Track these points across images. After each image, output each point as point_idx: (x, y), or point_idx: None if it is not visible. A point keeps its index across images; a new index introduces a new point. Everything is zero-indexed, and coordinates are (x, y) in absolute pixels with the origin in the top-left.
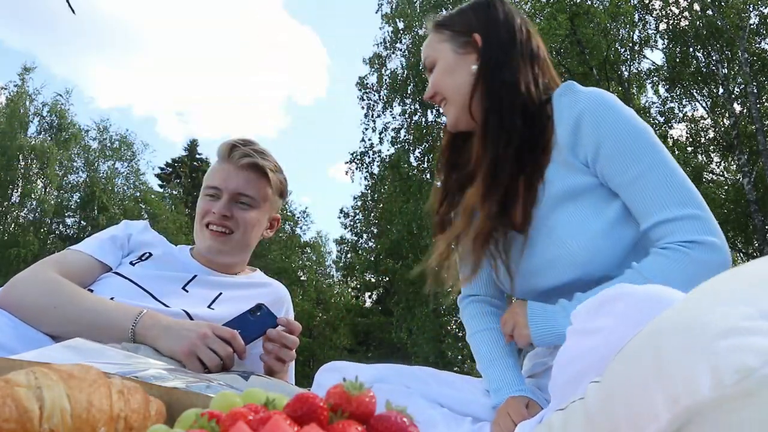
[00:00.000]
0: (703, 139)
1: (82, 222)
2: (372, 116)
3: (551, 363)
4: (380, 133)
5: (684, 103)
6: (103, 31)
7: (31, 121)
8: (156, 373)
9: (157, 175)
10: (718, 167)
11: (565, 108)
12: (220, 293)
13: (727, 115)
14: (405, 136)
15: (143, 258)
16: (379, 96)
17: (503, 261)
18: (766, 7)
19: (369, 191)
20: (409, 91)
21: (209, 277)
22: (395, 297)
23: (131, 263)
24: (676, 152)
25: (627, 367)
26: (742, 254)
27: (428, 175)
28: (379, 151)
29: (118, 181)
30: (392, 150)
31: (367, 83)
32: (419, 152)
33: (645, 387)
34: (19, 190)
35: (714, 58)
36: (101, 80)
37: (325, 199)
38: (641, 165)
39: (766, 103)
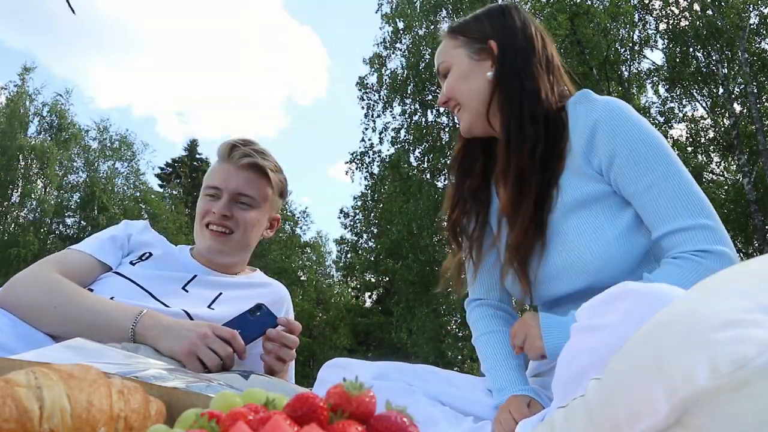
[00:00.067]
0: (703, 139)
1: (82, 222)
2: (372, 116)
3: (555, 362)
4: (380, 133)
5: (684, 103)
6: (103, 31)
7: (31, 121)
8: (156, 373)
9: (157, 175)
10: (718, 167)
11: (581, 116)
12: (220, 293)
13: (727, 115)
14: (405, 136)
15: (143, 258)
16: (379, 96)
17: (518, 269)
18: (766, 7)
19: (369, 191)
20: (409, 91)
21: (209, 277)
22: (395, 297)
23: (131, 263)
24: (676, 152)
25: (627, 363)
26: (742, 254)
27: (428, 175)
28: (379, 151)
29: (118, 181)
30: (392, 150)
31: (367, 83)
32: (419, 152)
33: (644, 381)
34: (19, 190)
35: (714, 58)
36: (101, 80)
37: (325, 199)
38: (654, 174)
39: (766, 103)
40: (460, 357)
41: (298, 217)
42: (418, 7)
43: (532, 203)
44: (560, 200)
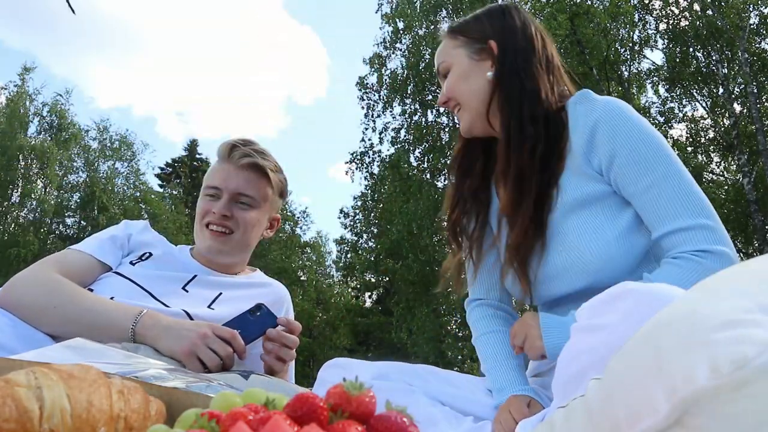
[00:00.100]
0: (703, 139)
1: (82, 222)
2: (372, 116)
3: (556, 362)
4: (380, 133)
5: (684, 103)
6: (103, 31)
7: (31, 121)
8: (156, 373)
9: (157, 175)
10: (718, 167)
11: (581, 116)
12: (220, 293)
13: (727, 115)
14: (405, 136)
15: (143, 258)
16: (379, 96)
17: (518, 269)
18: (766, 7)
19: (369, 191)
20: (409, 91)
21: (209, 277)
22: (395, 297)
23: (131, 263)
24: (676, 152)
25: (627, 363)
26: (742, 254)
27: (428, 175)
28: (379, 151)
29: (118, 181)
30: (392, 150)
31: (367, 83)
32: (419, 152)
33: (644, 381)
34: (19, 190)
35: (714, 58)
36: (101, 80)
37: (325, 199)
38: (654, 174)
39: (766, 103)
40: (460, 357)
41: (298, 217)
42: (418, 7)
43: (532, 203)
44: (560, 200)
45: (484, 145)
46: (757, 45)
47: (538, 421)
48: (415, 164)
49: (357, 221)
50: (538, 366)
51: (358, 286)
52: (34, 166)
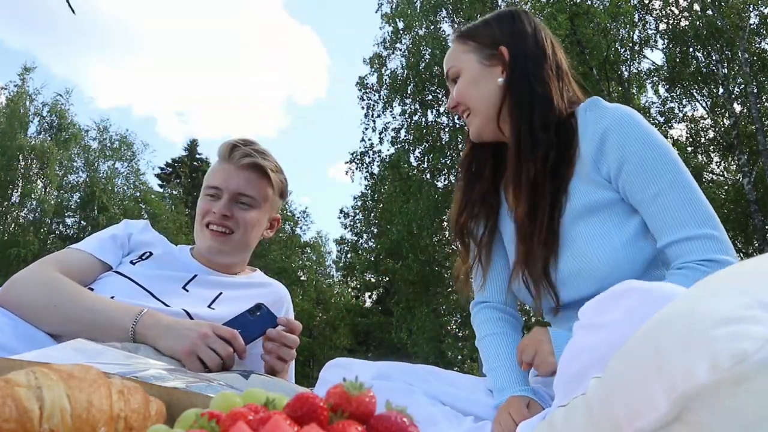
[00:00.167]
0: (703, 139)
1: (82, 222)
2: (372, 116)
3: None
4: (380, 133)
5: (684, 103)
6: (103, 31)
7: (31, 121)
8: (156, 373)
9: (157, 175)
10: (718, 167)
11: (591, 123)
12: (220, 293)
13: (727, 115)
14: (405, 136)
15: (143, 257)
16: (379, 96)
17: (530, 276)
18: (766, 7)
19: (369, 191)
20: (409, 91)
21: (209, 277)
22: (395, 297)
23: (131, 262)
24: (676, 152)
25: (627, 362)
26: (742, 254)
27: (428, 175)
28: (379, 151)
29: (118, 181)
30: (392, 150)
31: (367, 83)
32: (419, 152)
33: (644, 380)
34: (19, 190)
35: (714, 58)
36: (101, 80)
37: (325, 199)
38: (662, 183)
39: (766, 103)
40: (460, 357)
41: (298, 217)
42: (418, 7)
43: (546, 211)
44: (569, 207)
45: (493, 149)
46: (757, 45)
47: (539, 421)
48: (415, 164)
49: (357, 221)
50: None
51: (358, 286)
52: (34, 166)
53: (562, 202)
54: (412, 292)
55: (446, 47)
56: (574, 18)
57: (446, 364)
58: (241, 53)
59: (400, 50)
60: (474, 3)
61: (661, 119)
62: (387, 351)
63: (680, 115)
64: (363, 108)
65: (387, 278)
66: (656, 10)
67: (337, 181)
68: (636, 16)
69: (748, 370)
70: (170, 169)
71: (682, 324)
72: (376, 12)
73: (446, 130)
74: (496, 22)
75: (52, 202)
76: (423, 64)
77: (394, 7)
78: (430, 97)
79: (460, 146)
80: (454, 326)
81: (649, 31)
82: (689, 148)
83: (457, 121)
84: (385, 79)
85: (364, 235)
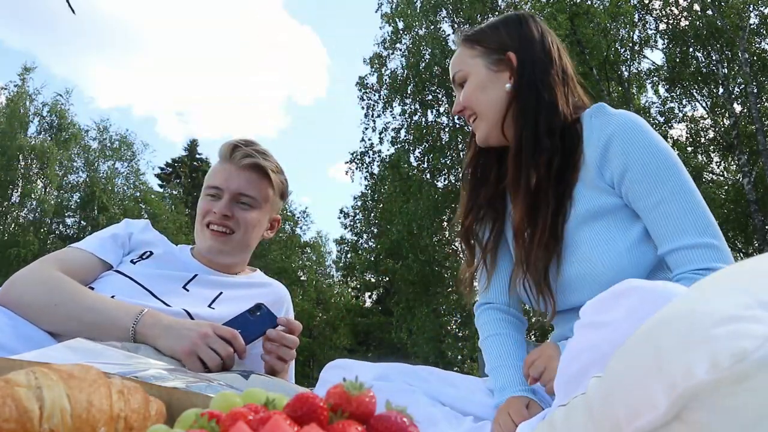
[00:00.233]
0: (703, 139)
1: (82, 222)
2: (372, 116)
3: None
4: (380, 133)
5: (684, 103)
6: (103, 31)
7: (31, 121)
8: (156, 373)
9: (157, 175)
10: (718, 167)
11: (596, 129)
12: (221, 293)
13: (727, 115)
14: (405, 136)
15: (144, 256)
16: (379, 96)
17: (533, 280)
18: (766, 7)
19: (369, 191)
20: (409, 91)
21: (210, 277)
22: (395, 297)
23: (132, 261)
24: (676, 152)
25: (627, 360)
26: (741, 254)
27: (428, 175)
28: (379, 151)
29: (118, 181)
30: (392, 150)
31: (367, 83)
32: (419, 152)
33: (644, 377)
34: (19, 190)
35: (714, 58)
36: (101, 80)
37: (325, 199)
38: (664, 191)
39: (766, 103)
40: (460, 357)
41: (298, 217)
42: (418, 7)
43: (548, 216)
44: (573, 212)
45: (499, 154)
46: (757, 45)
47: (539, 421)
48: (415, 164)
49: (357, 221)
50: None
51: (358, 286)
52: (34, 166)
53: (566, 207)
54: (412, 292)
55: (446, 47)
56: (574, 18)
57: (446, 364)
58: (241, 53)
59: (400, 50)
60: (474, 3)
61: (661, 119)
62: (387, 351)
63: (680, 115)
64: (363, 108)
65: (387, 278)
66: (656, 10)
67: (337, 181)
68: (636, 16)
69: (748, 369)
70: (170, 169)
71: (682, 323)
72: (376, 12)
73: (446, 130)
74: (504, 26)
75: (52, 202)
76: (423, 64)
77: (394, 7)
78: (430, 97)
79: (460, 146)
80: (454, 326)
81: (649, 31)
82: (689, 148)
83: (457, 121)
84: (385, 79)
85: (364, 235)
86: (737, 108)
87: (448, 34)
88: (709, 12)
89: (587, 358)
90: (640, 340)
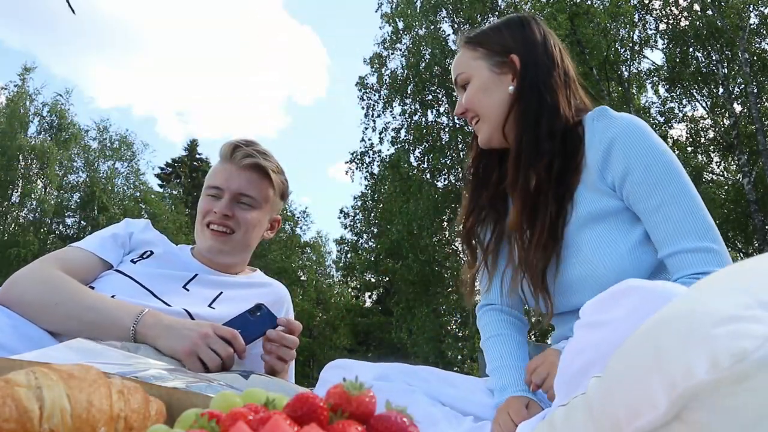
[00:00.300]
0: (703, 139)
1: (82, 222)
2: (372, 116)
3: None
4: (380, 133)
5: (684, 103)
6: (103, 31)
7: (31, 121)
8: (156, 373)
9: (157, 175)
10: (718, 167)
11: (598, 132)
12: (221, 293)
13: (727, 115)
14: (405, 136)
15: (144, 256)
16: (379, 96)
17: (532, 281)
18: (766, 7)
19: (369, 191)
20: (409, 91)
21: (210, 277)
22: (395, 297)
23: (132, 261)
24: (677, 152)
25: (627, 360)
26: (741, 254)
27: (428, 175)
28: (379, 151)
29: (118, 181)
30: (392, 150)
31: (367, 83)
32: (419, 152)
33: (644, 377)
34: (19, 190)
35: (714, 58)
36: (101, 80)
37: (325, 199)
38: (665, 194)
39: (766, 103)
40: (460, 357)
41: (298, 217)
42: (418, 7)
43: (548, 217)
44: (575, 214)
45: (500, 155)
46: (757, 45)
47: (539, 421)
48: (415, 164)
49: (357, 221)
50: None
51: (358, 286)
52: (34, 166)
53: (567, 209)
54: (412, 292)
55: (446, 47)
56: (574, 18)
57: (446, 364)
58: (241, 53)
59: (400, 50)
60: (474, 3)
61: (661, 119)
62: (387, 351)
63: (680, 115)
64: (363, 108)
65: (387, 278)
66: (656, 10)
67: (337, 181)
68: (636, 16)
69: (747, 369)
70: (170, 169)
71: (682, 323)
72: (376, 12)
73: (446, 130)
74: (506, 28)
75: (52, 202)
76: (423, 64)
77: (394, 7)
78: (430, 97)
79: (460, 146)
80: (454, 326)
81: (649, 31)
82: (689, 148)
83: (456, 121)
84: (385, 79)
85: (364, 235)
86: (737, 108)
87: (448, 34)
88: (709, 12)
89: (587, 357)
90: (640, 340)
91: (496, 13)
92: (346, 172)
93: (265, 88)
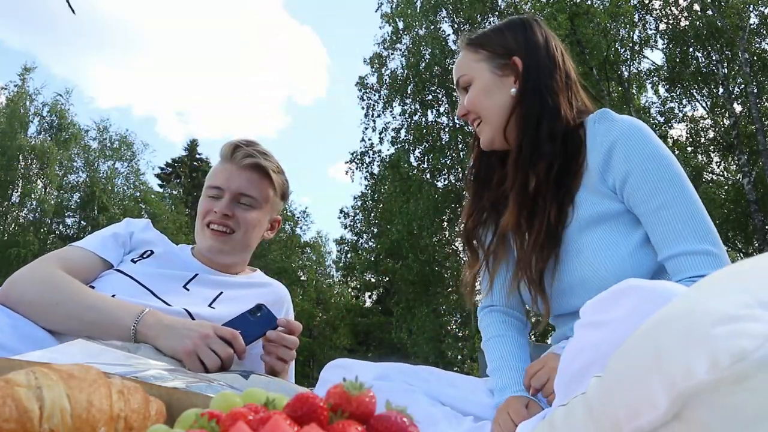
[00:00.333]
0: (703, 139)
1: (82, 222)
2: (372, 116)
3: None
4: (380, 133)
5: (684, 103)
6: (103, 31)
7: (31, 121)
8: (156, 373)
9: (157, 175)
10: (718, 167)
11: (599, 135)
12: (221, 292)
13: (727, 115)
14: (405, 136)
15: (144, 256)
16: (379, 96)
17: (531, 283)
18: (766, 7)
19: (369, 191)
20: (409, 91)
21: (210, 276)
22: (395, 297)
23: (133, 261)
24: (677, 152)
25: (627, 360)
26: (741, 254)
27: (428, 175)
28: (379, 151)
29: (118, 181)
30: (392, 150)
31: (367, 83)
32: (419, 152)
33: (644, 376)
34: (19, 190)
35: (714, 58)
36: (101, 80)
37: (325, 199)
38: (665, 197)
39: (766, 103)
40: (460, 357)
41: (298, 217)
42: (418, 7)
43: (546, 219)
44: (575, 216)
45: (502, 157)
46: (757, 45)
47: (539, 421)
48: (415, 164)
49: (357, 221)
50: None
51: (358, 286)
52: (34, 166)
53: (568, 212)
54: (412, 292)
55: (446, 47)
56: (574, 18)
57: (446, 364)
58: (241, 53)
59: (400, 50)
60: (474, 3)
61: (661, 119)
62: (387, 351)
63: (680, 115)
64: (363, 108)
65: (387, 278)
66: (656, 10)
67: (337, 181)
68: (636, 16)
69: (747, 369)
70: (170, 169)
71: (682, 323)
72: (376, 12)
73: (446, 130)
74: (508, 30)
75: (52, 202)
76: (423, 64)
77: (394, 7)
78: (430, 97)
79: (460, 146)
80: (454, 326)
81: (649, 31)
82: (689, 148)
83: (457, 121)
84: (385, 79)
85: (364, 235)
86: (737, 108)
87: (448, 34)
88: (709, 12)
89: (587, 357)
90: (640, 340)
91: (496, 13)
92: (346, 172)
93: (265, 88)
